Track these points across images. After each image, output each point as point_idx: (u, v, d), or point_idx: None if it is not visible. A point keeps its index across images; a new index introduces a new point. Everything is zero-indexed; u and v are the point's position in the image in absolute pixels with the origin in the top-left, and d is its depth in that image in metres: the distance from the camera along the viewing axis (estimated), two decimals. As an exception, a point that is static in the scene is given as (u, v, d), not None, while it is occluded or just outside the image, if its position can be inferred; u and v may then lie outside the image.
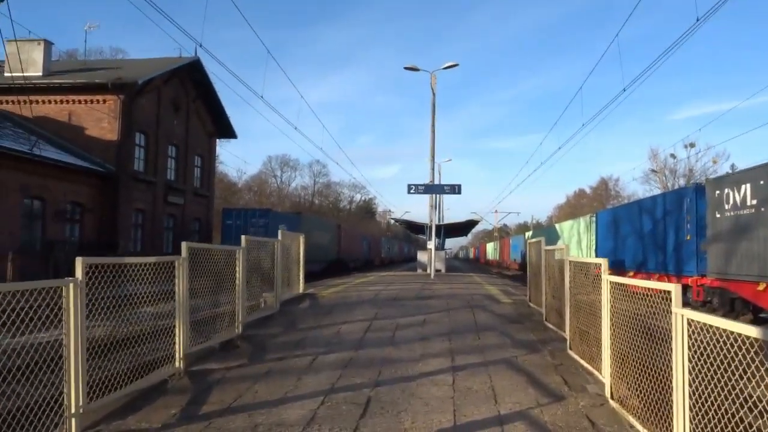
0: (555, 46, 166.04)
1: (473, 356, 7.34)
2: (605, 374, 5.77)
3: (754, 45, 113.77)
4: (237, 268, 8.39)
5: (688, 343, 3.78)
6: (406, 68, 25.82)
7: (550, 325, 9.37)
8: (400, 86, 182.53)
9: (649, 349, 4.70)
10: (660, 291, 4.45)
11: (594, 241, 26.58)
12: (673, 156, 57.43)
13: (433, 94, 25.73)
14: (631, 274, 19.95)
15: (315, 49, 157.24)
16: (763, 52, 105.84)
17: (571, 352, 7.45)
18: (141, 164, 27.72)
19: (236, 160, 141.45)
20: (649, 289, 4.80)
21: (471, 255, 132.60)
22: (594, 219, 27.38)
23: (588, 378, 6.41)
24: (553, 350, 7.78)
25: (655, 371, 4.55)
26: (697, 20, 11.39)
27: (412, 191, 23.21)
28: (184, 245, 6.59)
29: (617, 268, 19.81)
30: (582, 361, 6.86)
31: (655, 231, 19.37)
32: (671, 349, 4.02)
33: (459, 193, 23.53)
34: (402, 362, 7.02)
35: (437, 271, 25.50)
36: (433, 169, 26.77)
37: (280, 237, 11.35)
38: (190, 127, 32.60)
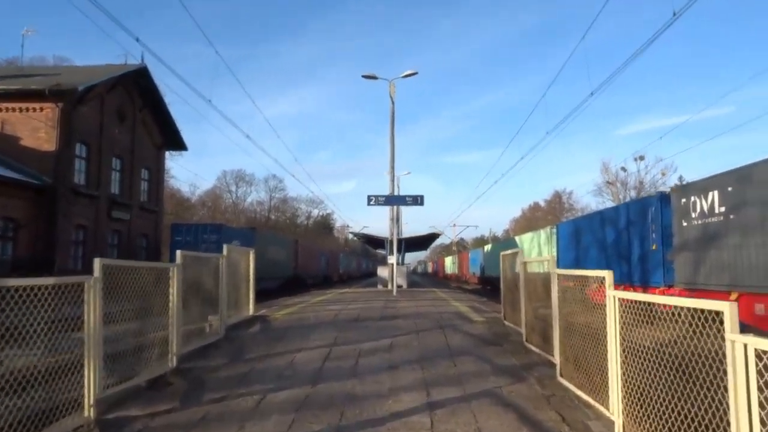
0: (514, 61, 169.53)
1: (451, 388, 6.27)
2: (614, 411, 4.80)
3: (703, 60, 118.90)
4: (171, 290, 7.10)
5: (758, 382, 2.84)
6: (364, 77, 24.95)
7: (532, 347, 8.39)
8: (358, 101, 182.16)
9: (681, 383, 3.77)
10: (699, 311, 3.52)
11: (555, 253, 26.12)
12: (623, 169, 58.83)
13: (392, 102, 24.96)
14: (595, 286, 19.42)
15: (274, 65, 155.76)
16: (711, 67, 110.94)
17: (562, 380, 6.47)
18: (82, 177, 25.83)
19: (189, 174, 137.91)
20: (677, 307, 3.89)
21: (429, 269, 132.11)
22: (555, 231, 26.94)
23: (588, 413, 5.44)
24: (541, 377, 6.79)
25: (692, 412, 3.61)
26: (674, 14, 10.89)
27: (372, 203, 22.12)
28: (96, 262, 5.29)
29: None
30: (578, 392, 5.88)
31: (618, 241, 18.93)
32: (727, 388, 3.08)
33: (421, 204, 22.53)
34: (368, 399, 5.88)
35: (399, 287, 24.46)
36: (392, 180, 25.88)
37: (225, 252, 10.07)
38: (137, 138, 30.79)
